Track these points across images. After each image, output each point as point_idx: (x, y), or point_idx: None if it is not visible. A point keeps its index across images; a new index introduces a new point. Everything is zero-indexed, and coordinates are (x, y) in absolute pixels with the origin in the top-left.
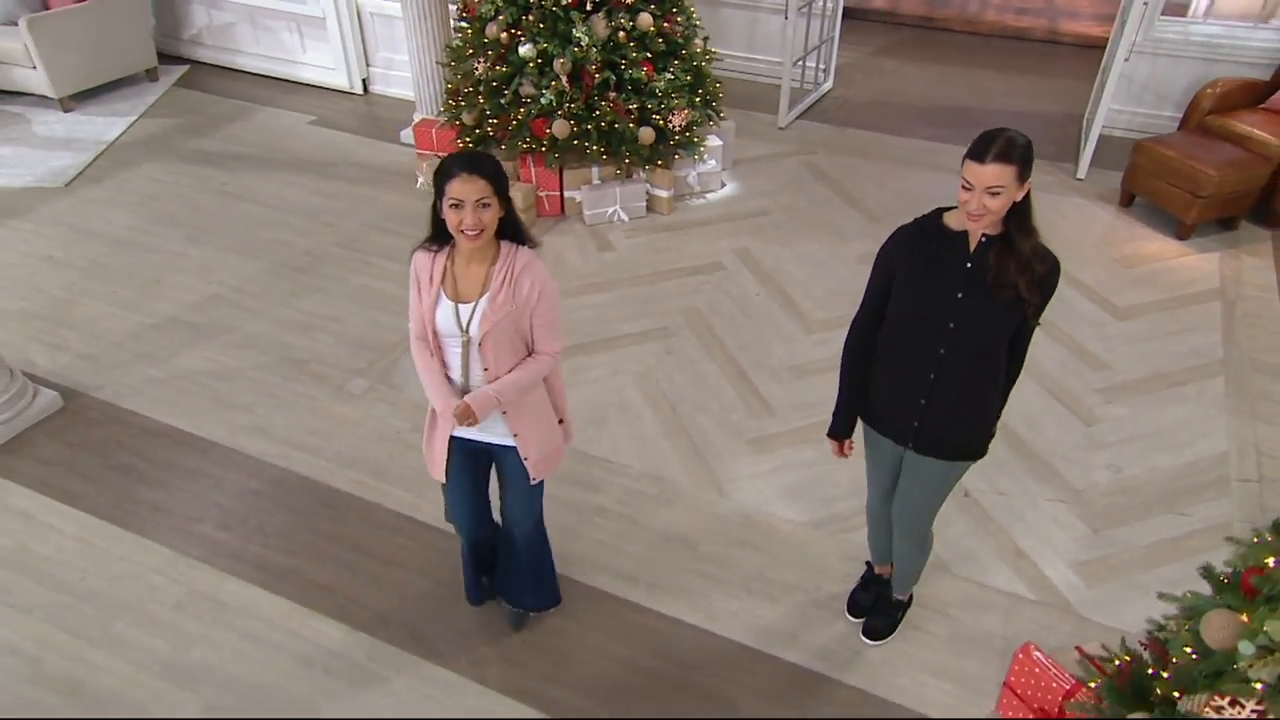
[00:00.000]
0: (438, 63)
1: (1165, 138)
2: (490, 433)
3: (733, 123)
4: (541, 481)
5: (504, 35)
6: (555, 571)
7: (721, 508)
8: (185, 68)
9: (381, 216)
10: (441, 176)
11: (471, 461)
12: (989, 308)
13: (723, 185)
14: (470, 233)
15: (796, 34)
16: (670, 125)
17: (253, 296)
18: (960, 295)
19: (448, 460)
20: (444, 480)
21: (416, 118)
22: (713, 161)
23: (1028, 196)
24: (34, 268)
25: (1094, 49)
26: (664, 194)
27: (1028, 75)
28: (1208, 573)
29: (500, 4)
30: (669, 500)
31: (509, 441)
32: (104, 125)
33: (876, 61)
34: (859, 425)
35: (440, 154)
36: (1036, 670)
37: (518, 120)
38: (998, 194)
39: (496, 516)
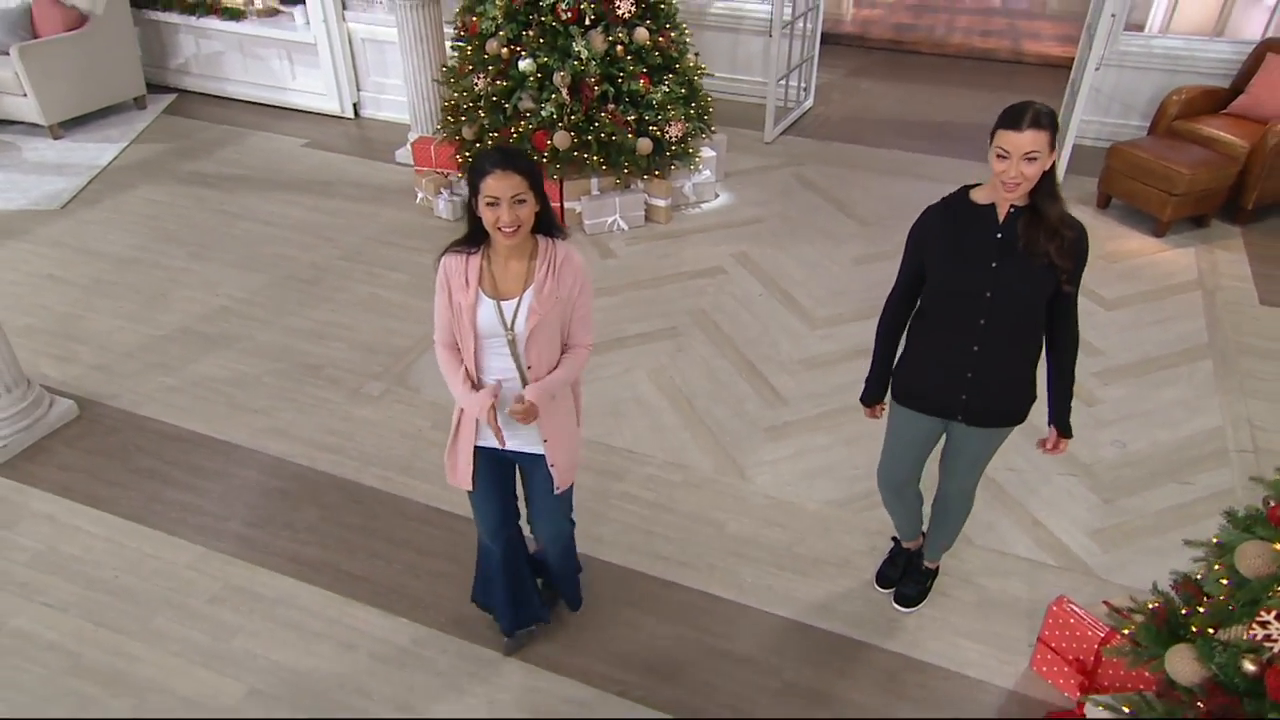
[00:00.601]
0: (435, 80)
1: (1138, 141)
2: (519, 440)
3: (724, 136)
4: (568, 498)
5: (504, 51)
6: (579, 583)
7: (745, 491)
8: (173, 96)
9: (383, 230)
10: (476, 174)
11: (497, 469)
12: (1023, 274)
13: (717, 196)
14: (507, 229)
15: (780, 53)
16: (667, 136)
17: (261, 307)
18: (994, 265)
19: (474, 470)
20: (470, 488)
21: (412, 137)
22: (707, 172)
23: (1052, 167)
24: (36, 285)
25: (1055, 68)
26: (662, 203)
27: (995, 92)
28: (1230, 516)
29: (501, 20)
30: (694, 485)
31: (537, 449)
32: (95, 151)
33: (852, 81)
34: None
35: (440, 170)
36: (1071, 621)
37: (518, 133)
38: (1034, 159)
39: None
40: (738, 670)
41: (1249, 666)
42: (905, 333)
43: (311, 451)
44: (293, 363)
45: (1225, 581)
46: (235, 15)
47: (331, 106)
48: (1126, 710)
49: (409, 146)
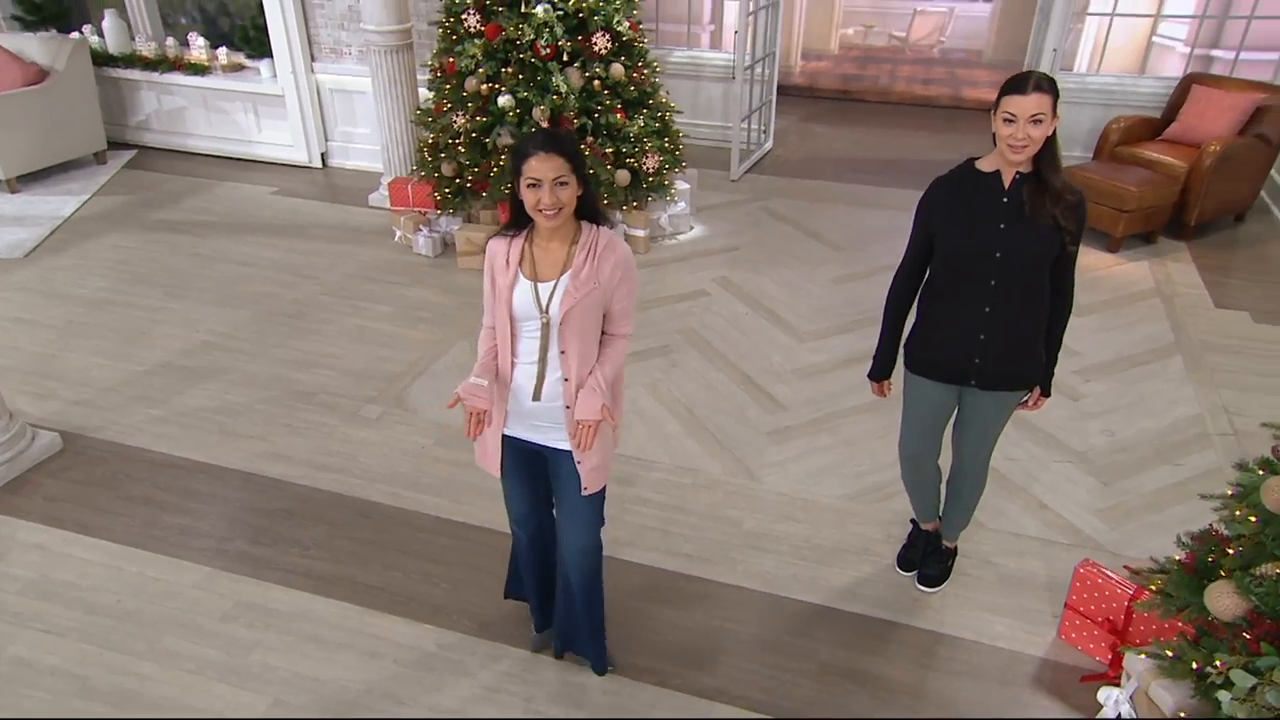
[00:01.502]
0: (412, 121)
1: (1085, 165)
2: (545, 434)
3: (695, 171)
4: (600, 503)
5: (484, 88)
6: (605, 631)
7: (757, 490)
8: (133, 152)
9: (363, 268)
10: (518, 156)
11: (526, 460)
12: (1030, 233)
13: (692, 228)
14: (549, 212)
15: (743, 94)
16: (644, 168)
17: (247, 341)
18: (1002, 226)
19: (502, 459)
20: (498, 474)
21: (385, 180)
22: (682, 204)
23: (1054, 135)
24: (4, 329)
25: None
26: (640, 234)
27: (939, 134)
28: (1241, 465)
29: (480, 58)
30: (705, 487)
31: (564, 445)
32: (56, 203)
33: (805, 126)
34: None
35: (418, 209)
36: (1099, 581)
37: (499, 167)
38: (1040, 121)
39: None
40: (772, 656)
41: None
42: (915, 306)
43: (312, 472)
44: (284, 390)
45: (1253, 518)
46: (199, 70)
47: (299, 157)
48: (1170, 654)
49: (385, 188)
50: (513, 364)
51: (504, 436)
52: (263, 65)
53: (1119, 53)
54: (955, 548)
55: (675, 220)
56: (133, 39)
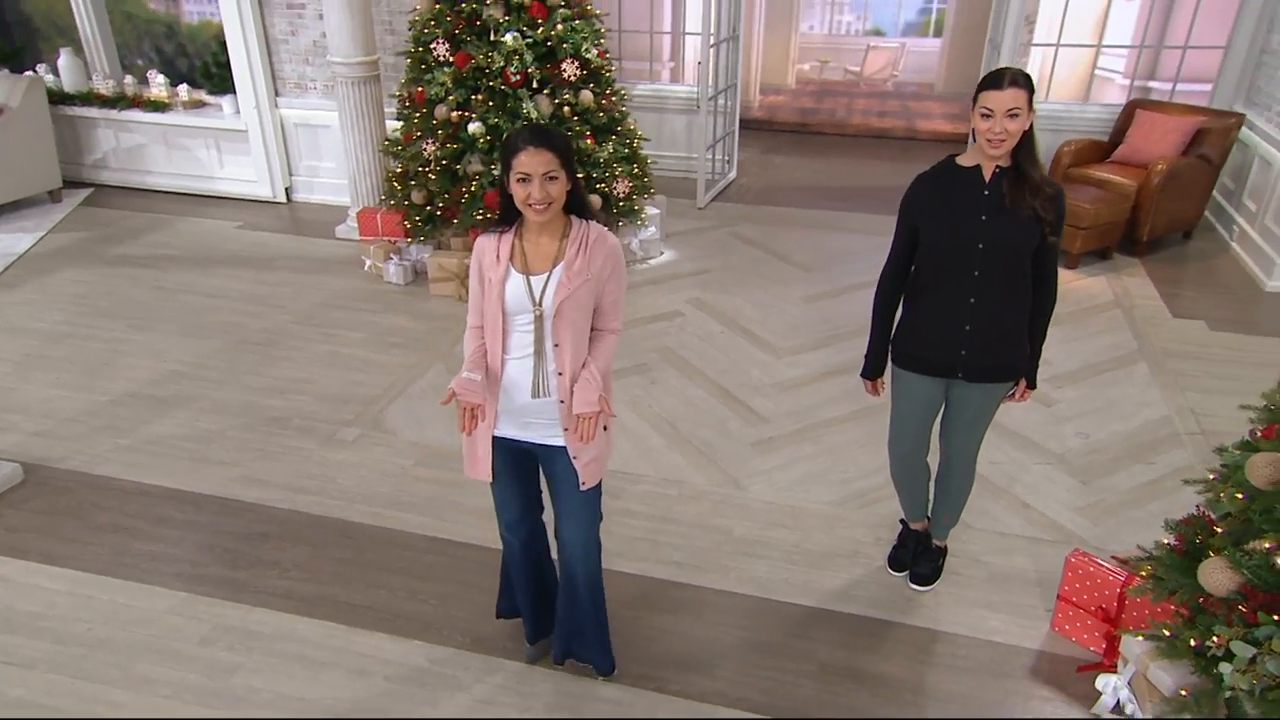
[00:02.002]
0: (380, 151)
1: None
2: (537, 431)
3: (664, 197)
4: (597, 498)
5: (454, 115)
6: (609, 633)
7: (744, 499)
8: (89, 190)
9: (333, 296)
10: (508, 151)
11: (518, 461)
12: (1011, 224)
13: (662, 252)
14: (538, 206)
15: (708, 124)
16: (614, 193)
17: (216, 370)
18: (984, 218)
19: (493, 462)
20: (489, 479)
21: (353, 211)
22: (653, 229)
23: (1031, 130)
24: None
25: (947, 142)
26: None
27: (896, 163)
28: (1221, 449)
29: (450, 86)
30: (691, 498)
31: (557, 441)
32: (9, 240)
33: (766, 158)
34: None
35: (388, 238)
36: (1090, 569)
37: (469, 193)
38: (1016, 115)
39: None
40: (770, 658)
41: None
42: (903, 304)
43: (290, 495)
44: (256, 417)
45: (1240, 495)
46: (159, 107)
47: (263, 192)
48: (1167, 634)
49: (352, 219)
50: (504, 360)
51: (495, 438)
52: (224, 101)
53: (1064, 84)
54: (945, 547)
55: (646, 245)
56: (89, 78)
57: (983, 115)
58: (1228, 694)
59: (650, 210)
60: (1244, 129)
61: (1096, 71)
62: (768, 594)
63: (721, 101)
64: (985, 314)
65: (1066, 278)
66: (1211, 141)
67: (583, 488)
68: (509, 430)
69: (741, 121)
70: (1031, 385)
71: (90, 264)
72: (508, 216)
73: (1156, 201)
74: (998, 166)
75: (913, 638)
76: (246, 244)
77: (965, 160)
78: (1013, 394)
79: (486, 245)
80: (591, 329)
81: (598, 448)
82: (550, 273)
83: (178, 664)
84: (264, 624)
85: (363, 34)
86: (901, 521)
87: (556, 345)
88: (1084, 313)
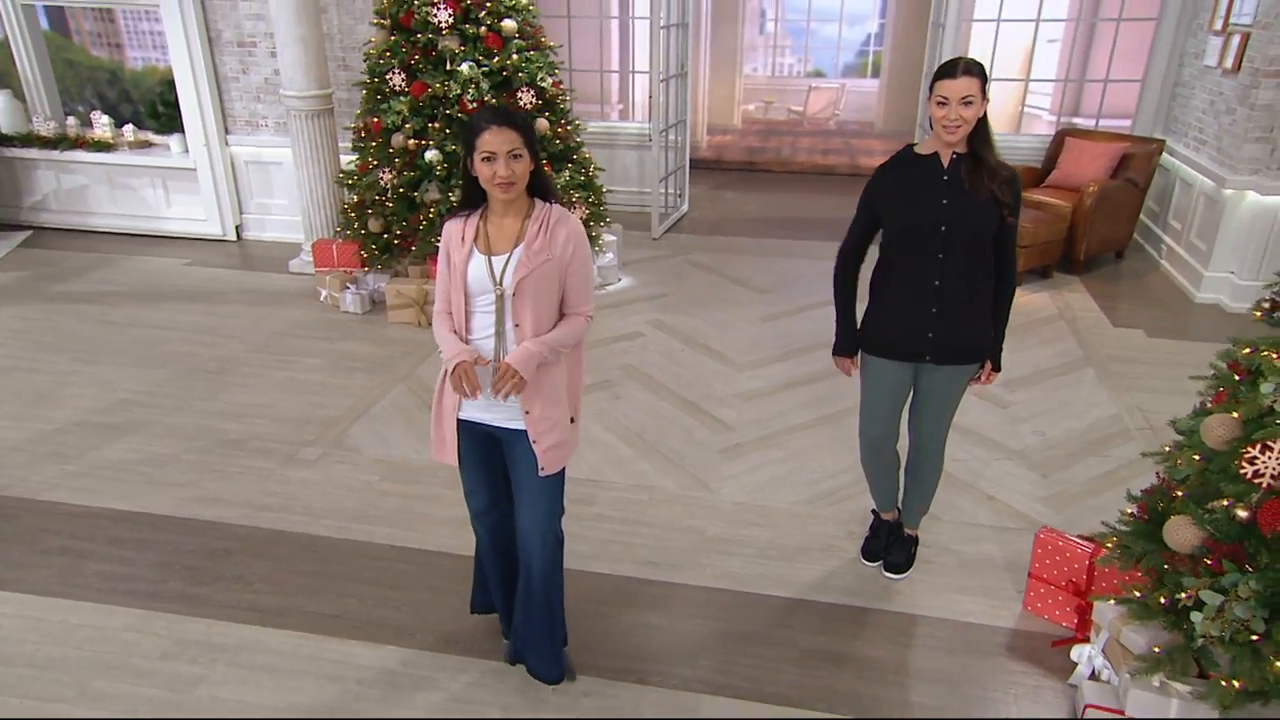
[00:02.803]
0: (335, 183)
1: None
2: (499, 413)
3: (620, 226)
4: (558, 489)
5: (410, 143)
6: (565, 638)
7: (715, 500)
8: (27, 233)
9: (289, 326)
10: (472, 132)
11: (483, 445)
12: (971, 206)
13: (620, 279)
14: (503, 184)
15: (659, 157)
16: None
17: (168, 397)
18: (944, 201)
19: (459, 446)
20: (455, 463)
21: (307, 244)
22: (610, 255)
23: (985, 118)
24: None
25: None
26: None
27: (843, 197)
28: (1175, 421)
29: (407, 115)
30: (663, 501)
31: (518, 425)
32: None
33: (716, 193)
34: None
35: (344, 268)
36: (1059, 543)
37: (427, 220)
38: (970, 103)
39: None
40: (751, 646)
41: (1241, 513)
42: (869, 292)
43: (251, 512)
44: (212, 440)
45: (1197, 456)
46: (104, 147)
47: (212, 230)
48: (1138, 594)
49: (307, 251)
50: (468, 341)
51: (459, 421)
52: (172, 141)
53: (995, 120)
54: (917, 536)
55: (604, 271)
56: (29, 120)
57: (938, 103)
58: (1199, 642)
59: (607, 237)
60: (1165, 154)
61: (1025, 109)
62: (744, 588)
63: (672, 136)
64: (951, 296)
65: None
66: (1136, 166)
67: (541, 473)
68: (473, 412)
69: (691, 161)
70: (996, 367)
71: (31, 301)
72: (471, 199)
73: (1090, 220)
74: (955, 153)
75: (891, 622)
76: (196, 279)
77: (923, 149)
78: (978, 376)
79: (453, 229)
80: (561, 314)
81: (559, 437)
82: (511, 253)
83: (137, 679)
84: (228, 636)
85: (317, 69)
86: (873, 512)
87: (517, 325)
88: (1030, 324)
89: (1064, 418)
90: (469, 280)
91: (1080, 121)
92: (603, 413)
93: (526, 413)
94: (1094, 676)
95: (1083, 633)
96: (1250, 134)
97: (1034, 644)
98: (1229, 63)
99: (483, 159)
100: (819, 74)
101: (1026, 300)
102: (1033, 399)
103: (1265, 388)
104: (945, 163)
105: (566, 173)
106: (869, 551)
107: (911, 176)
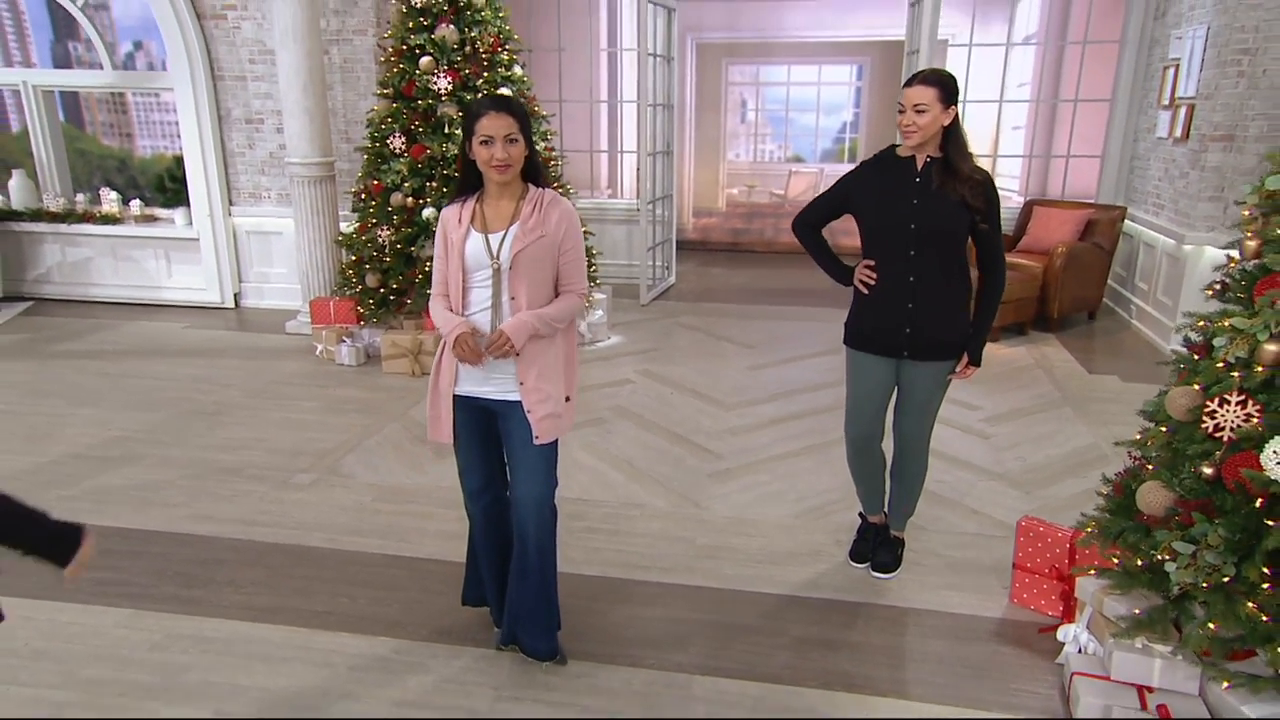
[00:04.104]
0: (335, 243)
1: None
2: (495, 385)
3: (610, 287)
4: (552, 460)
5: (409, 201)
6: (559, 614)
7: (705, 515)
8: (29, 304)
9: (286, 376)
10: (470, 119)
11: (479, 421)
12: (940, 207)
13: (609, 337)
14: (500, 166)
15: (646, 230)
16: None
17: (165, 434)
18: (915, 201)
19: (455, 423)
20: (450, 440)
21: (304, 308)
22: (600, 312)
23: (959, 125)
24: None
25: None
26: None
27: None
28: (1144, 406)
29: (406, 174)
30: (654, 516)
31: (513, 396)
32: None
33: (703, 269)
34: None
35: (340, 324)
36: (1040, 529)
37: (424, 274)
38: (923, 111)
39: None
40: (745, 636)
41: (1206, 471)
42: (853, 290)
43: (245, 528)
44: (207, 468)
45: (1165, 430)
46: (110, 221)
47: (211, 298)
48: (1116, 561)
49: (305, 312)
50: (465, 316)
51: (456, 398)
52: (177, 214)
53: None
54: (903, 539)
55: (594, 328)
56: (40, 198)
57: (899, 110)
58: (1175, 590)
59: (597, 296)
60: (1127, 221)
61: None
62: (736, 587)
63: (659, 211)
64: (925, 292)
65: (989, 348)
66: (1101, 231)
67: (536, 442)
68: (470, 386)
69: (678, 242)
70: (975, 362)
71: (31, 358)
72: (468, 184)
73: (1061, 279)
74: (929, 157)
75: (883, 614)
76: (194, 340)
77: (902, 152)
78: (956, 370)
79: (450, 213)
80: (557, 294)
81: (553, 407)
82: (507, 230)
83: (126, 668)
84: (220, 630)
85: (320, 137)
86: (860, 515)
87: (513, 298)
88: (1009, 373)
89: (1044, 446)
90: (467, 257)
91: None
92: (592, 445)
93: (521, 383)
94: (1080, 653)
95: (1068, 619)
96: (1203, 194)
97: (1022, 631)
98: (1179, 132)
99: (481, 142)
100: (798, 159)
101: (1004, 353)
102: (1014, 431)
103: (1218, 342)
104: (919, 166)
105: None
106: (857, 554)
107: (888, 174)
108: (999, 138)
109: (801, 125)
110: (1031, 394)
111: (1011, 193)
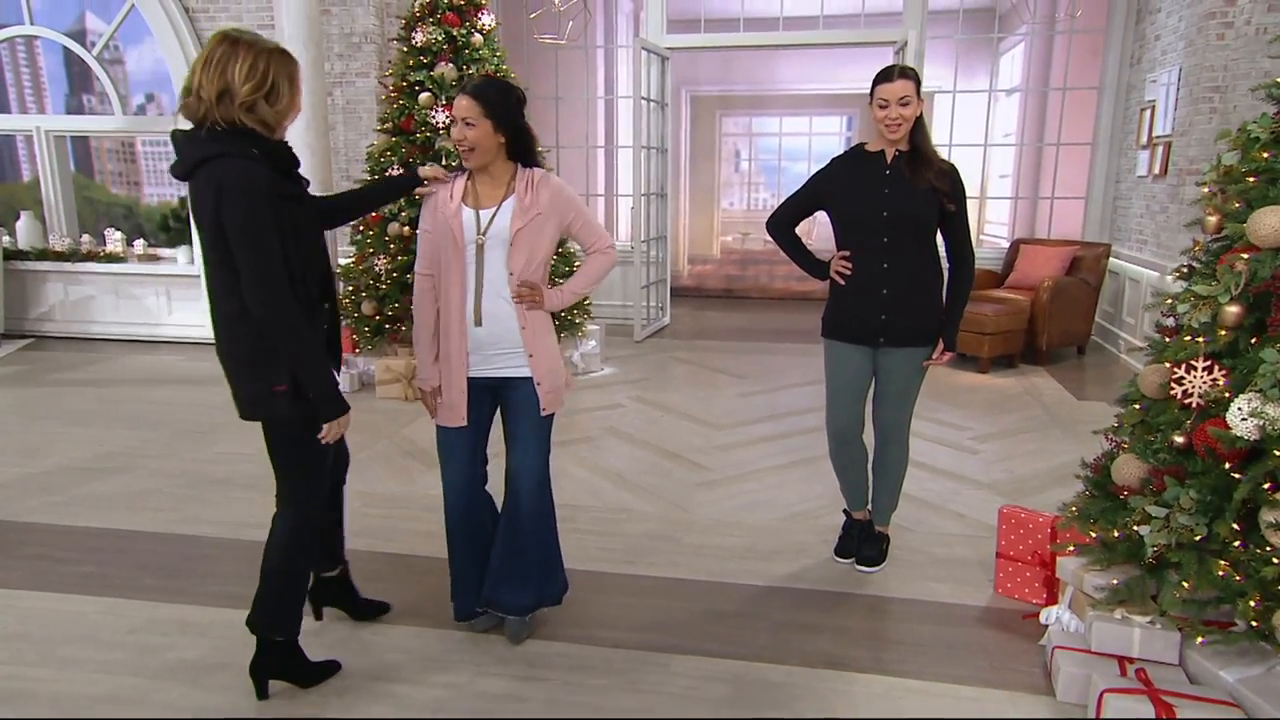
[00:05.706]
0: (334, 273)
1: None
2: (504, 365)
3: (603, 321)
4: (549, 432)
5: (405, 230)
6: (562, 558)
7: (691, 518)
8: (29, 340)
9: None
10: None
11: (478, 400)
12: (910, 195)
13: (602, 368)
14: (459, 147)
15: (640, 270)
16: None
17: (156, 448)
18: (886, 190)
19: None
20: (465, 423)
21: None
22: (593, 343)
23: (922, 117)
24: None
25: None
26: None
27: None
28: (1120, 396)
29: (403, 204)
30: (641, 519)
31: (523, 372)
32: None
33: (698, 313)
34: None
35: None
36: (1021, 517)
37: None
38: (907, 103)
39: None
40: (729, 621)
41: (1178, 439)
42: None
43: (232, 529)
44: (197, 477)
45: (1138, 406)
46: (114, 259)
47: (210, 334)
48: (1093, 535)
49: None
50: (456, 292)
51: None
52: (179, 252)
53: None
54: (888, 534)
55: (587, 358)
56: (46, 239)
57: (880, 106)
58: (1151, 551)
59: (590, 327)
60: (1112, 258)
61: (983, 236)
62: (720, 579)
63: (654, 253)
64: (898, 278)
65: (980, 380)
66: (1087, 266)
67: (543, 413)
68: (479, 368)
69: (672, 290)
70: (950, 347)
71: (29, 386)
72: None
73: (1049, 312)
74: (898, 150)
75: (866, 602)
76: (194, 369)
77: (871, 147)
78: (933, 356)
79: (442, 190)
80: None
81: (556, 381)
82: (498, 207)
83: (104, 649)
84: (201, 615)
85: (321, 172)
86: (845, 512)
87: (511, 274)
88: (998, 400)
89: (1031, 460)
90: (455, 230)
91: None
92: (583, 459)
93: (531, 355)
94: (1063, 632)
95: (1052, 602)
96: (1183, 225)
97: (1006, 618)
98: (1157, 169)
99: (454, 123)
100: None
101: (993, 383)
102: (1001, 448)
103: (1181, 308)
104: (889, 159)
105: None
106: (842, 549)
107: (859, 168)
108: (985, 184)
109: (794, 174)
110: (1020, 417)
111: (1000, 238)
